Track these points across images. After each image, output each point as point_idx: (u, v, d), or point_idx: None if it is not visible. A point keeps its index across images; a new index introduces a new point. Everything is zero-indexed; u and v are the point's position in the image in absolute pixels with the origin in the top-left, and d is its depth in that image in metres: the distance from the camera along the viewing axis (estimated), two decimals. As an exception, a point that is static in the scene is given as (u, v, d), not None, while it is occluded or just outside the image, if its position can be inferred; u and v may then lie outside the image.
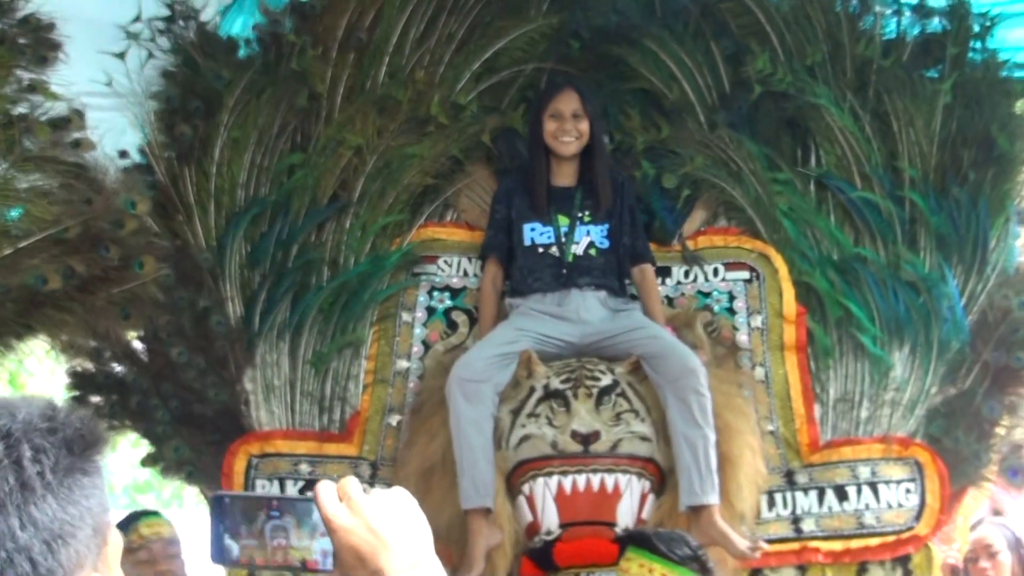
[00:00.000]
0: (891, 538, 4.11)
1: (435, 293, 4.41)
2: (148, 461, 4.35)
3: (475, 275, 4.43)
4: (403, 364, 4.30)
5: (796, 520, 4.15)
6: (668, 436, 3.94)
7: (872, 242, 4.40)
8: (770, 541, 4.00)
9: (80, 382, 4.29)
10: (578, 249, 4.23)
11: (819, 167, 4.50)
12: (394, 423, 4.22)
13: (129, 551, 3.87)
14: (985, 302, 4.34)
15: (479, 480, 3.86)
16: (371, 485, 4.08)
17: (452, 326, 4.37)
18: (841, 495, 4.16)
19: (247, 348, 4.18)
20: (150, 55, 4.33)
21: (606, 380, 4.00)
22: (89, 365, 4.27)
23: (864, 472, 4.18)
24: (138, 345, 4.24)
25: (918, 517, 4.12)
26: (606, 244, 4.25)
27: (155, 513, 4.26)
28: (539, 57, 4.60)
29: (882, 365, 4.27)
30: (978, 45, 4.54)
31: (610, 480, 3.87)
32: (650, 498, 3.94)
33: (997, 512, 4.33)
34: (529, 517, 3.90)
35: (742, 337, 4.35)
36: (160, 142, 4.26)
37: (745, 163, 4.47)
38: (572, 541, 3.84)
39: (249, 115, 4.31)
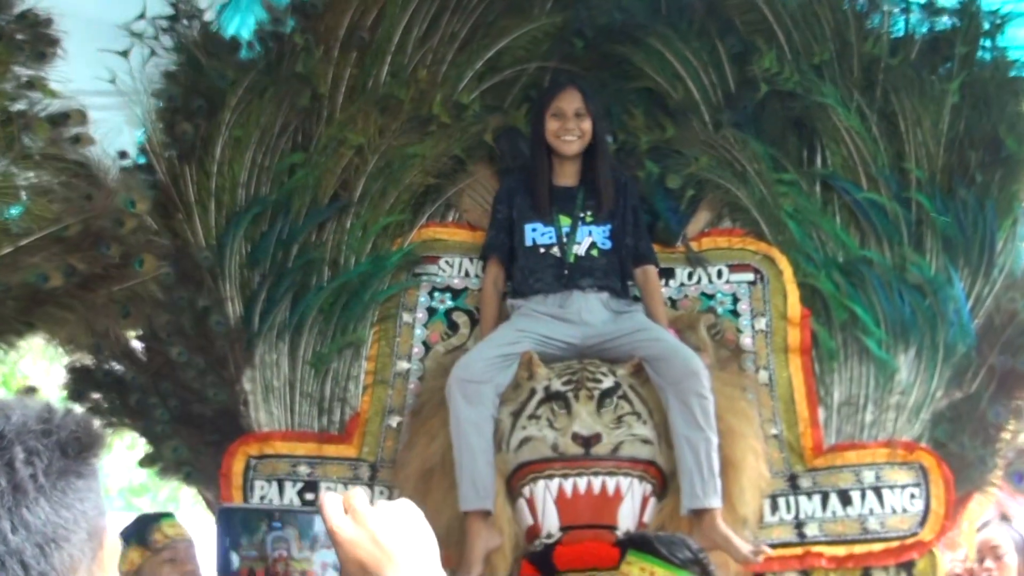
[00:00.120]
0: (895, 543, 4.07)
1: (436, 294, 4.39)
2: (146, 461, 4.34)
3: (477, 276, 4.41)
4: (403, 365, 4.29)
5: (799, 525, 4.12)
6: (670, 439, 3.92)
7: (878, 244, 4.37)
8: (773, 546, 3.97)
9: (79, 378, 4.29)
10: (580, 249, 4.20)
11: (825, 168, 4.47)
12: (394, 424, 4.21)
13: (153, 551, 3.88)
14: (992, 305, 4.30)
15: (479, 482, 3.84)
16: (370, 487, 4.09)
17: (453, 327, 4.35)
18: (845, 500, 4.13)
19: (246, 348, 4.18)
20: (152, 53, 4.32)
21: (608, 382, 3.97)
22: (88, 361, 4.26)
23: (868, 476, 4.15)
24: (137, 344, 4.24)
25: (923, 522, 4.08)
26: (608, 245, 4.22)
27: (172, 515, 4.25)
28: (542, 56, 4.59)
29: (887, 368, 4.23)
30: (988, 43, 4.49)
31: (611, 483, 3.85)
32: (652, 501, 3.91)
33: (1004, 517, 4.28)
34: (529, 520, 3.88)
35: (746, 340, 4.32)
36: (161, 141, 4.25)
37: (750, 163, 4.44)
38: (572, 544, 3.81)
39: (251, 114, 4.31)
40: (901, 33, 4.55)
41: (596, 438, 3.86)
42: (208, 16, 4.40)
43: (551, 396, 3.95)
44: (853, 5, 4.53)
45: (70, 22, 3.88)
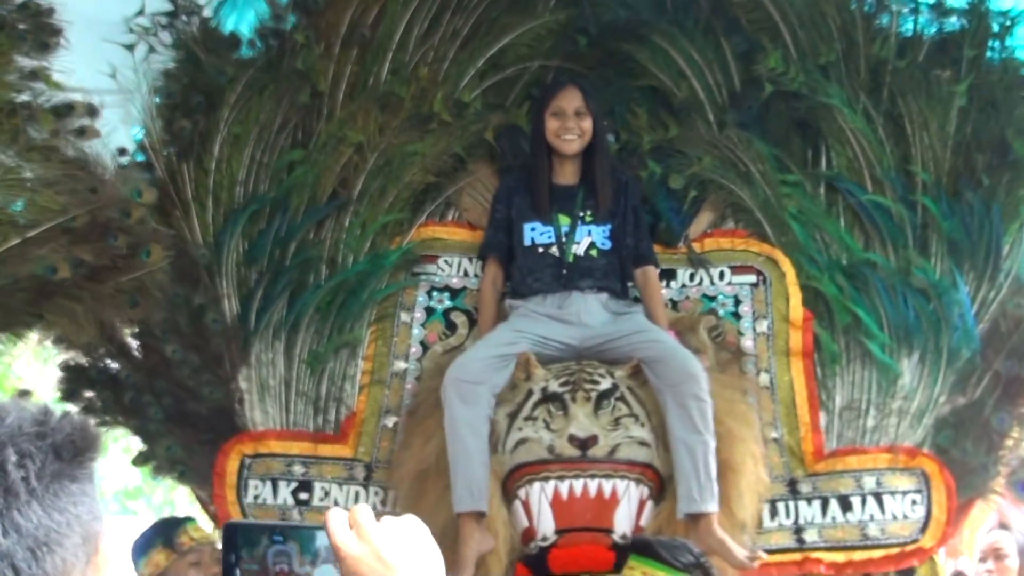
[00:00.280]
0: (895, 550, 4.04)
1: (434, 293, 4.37)
2: (139, 460, 4.34)
3: (475, 275, 4.39)
4: (400, 365, 4.27)
5: (798, 530, 4.09)
6: (668, 442, 3.88)
7: (882, 247, 4.32)
8: (771, 551, 3.95)
9: (73, 376, 4.29)
10: (579, 249, 4.17)
11: (830, 169, 4.42)
12: (390, 425, 4.19)
13: (180, 553, 3.93)
14: (997, 310, 4.26)
15: (473, 483, 3.81)
16: (365, 487, 4.07)
17: (451, 327, 4.33)
18: (845, 505, 4.09)
19: (242, 346, 4.16)
20: (151, 50, 4.31)
21: (605, 384, 3.94)
22: (83, 359, 4.25)
23: (869, 482, 4.11)
24: (132, 341, 4.23)
25: (923, 529, 4.05)
26: (608, 245, 4.19)
27: (195, 519, 4.24)
28: (545, 54, 4.56)
29: (890, 373, 4.19)
30: (996, 45, 4.43)
31: (608, 486, 3.82)
32: (648, 505, 3.88)
33: (1004, 526, 4.24)
34: (525, 522, 3.85)
35: (747, 342, 4.28)
36: (160, 138, 4.25)
37: (754, 164, 4.40)
38: (568, 548, 3.79)
39: (250, 111, 4.29)
40: (909, 34, 4.50)
41: (593, 440, 3.83)
42: (207, 12, 4.38)
43: (548, 397, 3.92)
44: (861, 5, 4.48)
45: (69, 20, 3.86)
